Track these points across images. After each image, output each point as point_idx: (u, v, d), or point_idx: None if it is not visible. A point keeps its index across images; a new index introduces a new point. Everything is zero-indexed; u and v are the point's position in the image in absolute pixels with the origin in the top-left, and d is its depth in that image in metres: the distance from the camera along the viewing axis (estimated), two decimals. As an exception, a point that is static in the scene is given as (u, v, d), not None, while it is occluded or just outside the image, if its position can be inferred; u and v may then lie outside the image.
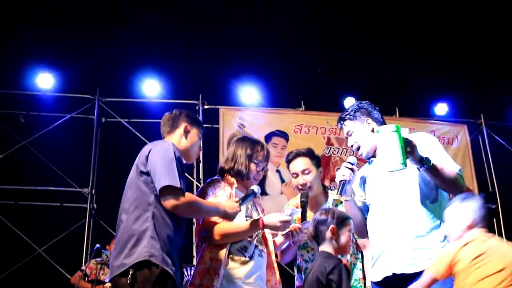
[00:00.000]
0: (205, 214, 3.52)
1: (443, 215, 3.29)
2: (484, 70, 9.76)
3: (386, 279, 3.31)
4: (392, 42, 9.57)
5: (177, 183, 3.21)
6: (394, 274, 3.26)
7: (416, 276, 3.16)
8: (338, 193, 3.48)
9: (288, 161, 4.32)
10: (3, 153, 9.16)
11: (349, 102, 10.17)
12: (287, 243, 4.00)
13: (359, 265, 4.10)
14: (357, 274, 4.06)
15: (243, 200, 3.53)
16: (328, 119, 10.07)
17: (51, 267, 8.62)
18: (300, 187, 4.19)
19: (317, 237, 3.55)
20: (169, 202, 3.20)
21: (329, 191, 4.39)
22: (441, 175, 3.16)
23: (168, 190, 3.20)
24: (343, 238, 3.46)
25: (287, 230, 3.77)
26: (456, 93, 10.39)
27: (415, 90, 10.14)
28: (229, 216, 3.43)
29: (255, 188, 3.63)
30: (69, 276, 8.09)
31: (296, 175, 4.23)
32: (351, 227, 3.52)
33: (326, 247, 3.50)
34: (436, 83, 10.14)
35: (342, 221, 3.48)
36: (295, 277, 4.36)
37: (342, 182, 3.45)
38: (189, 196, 3.28)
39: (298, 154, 4.29)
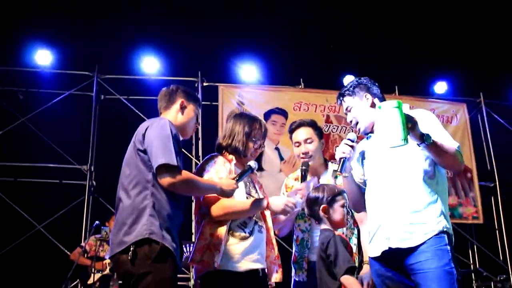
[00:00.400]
0: (201, 191, 3.51)
1: (440, 191, 3.31)
2: (484, 49, 9.74)
3: (383, 253, 3.33)
4: (393, 21, 9.54)
5: (173, 161, 3.20)
6: (390, 248, 3.28)
7: (412, 251, 3.18)
8: (338, 170, 3.44)
9: (291, 131, 4.34)
10: (2, 129, 9.17)
11: (349, 79, 10.12)
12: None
13: (354, 240, 4.11)
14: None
15: (240, 177, 3.51)
16: (327, 97, 10.07)
17: (51, 243, 8.66)
18: (302, 155, 4.21)
19: (314, 216, 3.76)
20: (166, 180, 3.20)
21: (329, 163, 4.40)
22: (440, 152, 3.16)
23: (164, 168, 3.20)
24: (336, 215, 3.64)
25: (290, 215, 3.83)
26: (455, 71, 10.38)
27: (415, 68, 10.11)
28: (226, 194, 3.42)
29: (252, 163, 3.61)
30: (69, 253, 8.14)
31: (298, 144, 4.25)
32: (344, 201, 3.66)
33: (324, 225, 3.66)
34: (435, 61, 10.11)
35: (332, 198, 3.65)
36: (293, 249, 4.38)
37: (342, 159, 3.44)
38: (185, 174, 3.27)
39: (301, 124, 4.32)
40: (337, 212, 3.63)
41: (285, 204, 3.58)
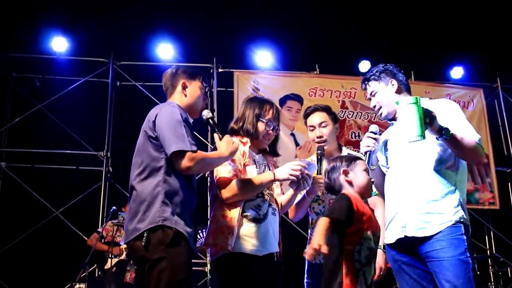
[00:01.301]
0: (215, 165, 3.51)
1: (459, 181, 3.31)
2: (501, 34, 9.64)
3: (398, 240, 3.34)
4: (408, 5, 9.47)
5: (186, 146, 3.22)
6: (406, 236, 3.29)
7: (426, 239, 3.20)
8: (366, 163, 3.45)
9: (306, 115, 4.36)
10: (19, 116, 9.25)
11: (364, 65, 10.13)
12: (302, 196, 4.00)
13: None
14: None
15: (219, 130, 3.52)
16: (343, 82, 10.04)
17: (68, 229, 8.75)
18: (316, 139, 4.22)
19: (333, 188, 3.36)
20: (182, 165, 3.22)
21: (344, 147, 4.42)
22: (460, 145, 3.16)
23: (178, 154, 3.22)
24: (359, 178, 3.26)
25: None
26: (472, 56, 10.28)
27: (431, 53, 10.04)
28: (233, 153, 3.42)
29: (205, 112, 3.65)
30: (86, 238, 8.21)
31: (313, 127, 4.27)
32: (366, 166, 3.33)
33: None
34: (452, 46, 10.02)
35: (351, 161, 3.31)
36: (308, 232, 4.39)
37: (367, 153, 3.47)
38: (199, 155, 3.27)
39: (316, 109, 4.35)
40: (360, 175, 3.26)
41: (290, 168, 3.56)
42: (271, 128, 3.82)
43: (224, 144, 3.43)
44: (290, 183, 3.72)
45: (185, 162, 3.22)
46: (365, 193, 3.28)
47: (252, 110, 3.82)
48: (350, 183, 3.26)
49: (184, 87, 3.66)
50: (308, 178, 3.66)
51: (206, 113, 3.65)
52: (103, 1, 8.90)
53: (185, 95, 3.65)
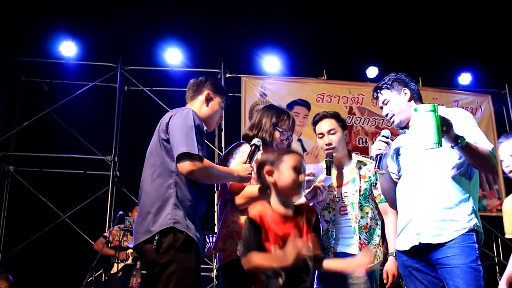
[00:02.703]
0: (220, 179, 3.53)
1: (472, 189, 3.31)
2: (509, 40, 9.63)
3: (412, 247, 3.34)
4: (416, 12, 9.47)
5: (194, 149, 3.22)
6: (420, 243, 3.29)
7: (441, 246, 3.19)
8: (376, 167, 3.46)
9: (315, 123, 4.34)
10: (27, 120, 9.28)
11: (372, 71, 10.14)
12: (311, 204, 4.00)
13: (377, 231, 4.09)
14: (375, 240, 4.07)
15: (251, 158, 3.51)
16: (350, 88, 10.05)
17: (75, 233, 8.78)
18: (325, 147, 4.20)
19: (263, 186, 3.09)
20: (185, 168, 3.22)
21: (353, 154, 4.41)
22: (474, 154, 3.16)
23: (185, 157, 3.22)
24: (284, 177, 2.92)
25: (310, 189, 3.73)
26: (480, 63, 10.29)
27: (439, 60, 10.06)
28: (244, 179, 3.44)
29: (256, 141, 3.60)
30: (93, 242, 8.21)
31: (322, 135, 4.25)
32: (295, 163, 2.92)
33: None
34: (460, 52, 10.02)
35: (278, 157, 2.97)
36: None
37: (378, 156, 3.46)
38: (205, 162, 3.29)
39: (324, 116, 4.31)
40: (285, 174, 2.89)
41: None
42: (285, 137, 3.84)
43: (241, 167, 3.45)
44: (306, 194, 3.73)
45: (189, 166, 3.22)
46: (289, 193, 2.93)
47: (269, 118, 3.81)
48: (274, 184, 2.96)
49: (208, 99, 3.69)
50: (324, 190, 3.68)
51: (257, 141, 3.61)
52: (112, 6, 8.93)
53: (206, 106, 3.68)
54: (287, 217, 2.90)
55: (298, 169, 2.91)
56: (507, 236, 3.14)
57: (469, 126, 3.32)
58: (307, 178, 3.50)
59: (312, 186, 3.71)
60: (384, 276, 3.94)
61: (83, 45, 9.57)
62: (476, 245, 3.15)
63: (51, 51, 9.54)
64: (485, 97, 10.62)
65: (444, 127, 2.98)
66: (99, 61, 9.80)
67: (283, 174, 2.91)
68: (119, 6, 8.95)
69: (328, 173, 3.87)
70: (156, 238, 3.16)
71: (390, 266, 3.89)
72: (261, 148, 3.66)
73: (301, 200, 3.86)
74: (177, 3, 9.15)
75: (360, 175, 4.11)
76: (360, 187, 4.07)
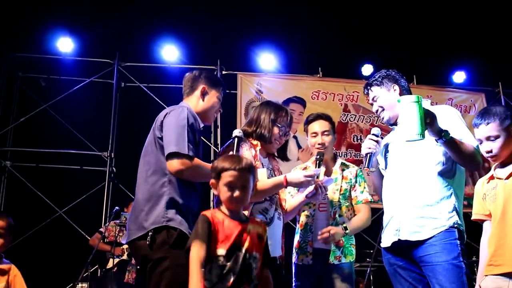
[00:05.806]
0: (209, 178, 3.54)
1: (456, 187, 3.35)
2: (503, 38, 9.68)
3: (393, 244, 3.39)
4: (411, 10, 9.52)
5: (184, 149, 3.24)
6: (399, 240, 3.34)
7: (421, 244, 3.24)
8: (366, 165, 3.50)
9: (309, 122, 4.40)
10: (24, 116, 9.32)
11: (367, 69, 10.18)
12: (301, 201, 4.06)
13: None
14: (350, 239, 4.18)
15: (236, 151, 3.53)
16: (346, 85, 10.11)
17: (71, 228, 8.82)
18: (318, 145, 4.27)
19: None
20: (173, 167, 3.25)
21: (338, 157, 4.51)
22: (458, 149, 3.19)
23: (174, 156, 3.24)
24: (221, 193, 2.93)
25: (311, 187, 3.79)
26: (474, 61, 10.31)
27: (433, 58, 10.09)
28: None
29: (237, 132, 3.62)
30: (89, 238, 8.26)
31: (315, 134, 4.32)
32: (232, 178, 2.86)
33: None
34: (454, 51, 10.06)
35: (220, 172, 2.92)
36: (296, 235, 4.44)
37: (368, 154, 3.50)
38: (195, 162, 3.30)
39: (320, 116, 4.40)
40: (222, 191, 2.89)
41: (304, 175, 3.56)
42: (284, 133, 3.88)
43: None
44: (308, 193, 3.82)
45: (177, 165, 3.24)
46: (229, 207, 2.92)
47: (268, 115, 3.84)
48: (219, 196, 3.00)
49: (203, 93, 3.70)
50: (325, 190, 3.77)
51: (238, 132, 3.61)
52: (109, 3, 8.97)
53: (203, 100, 3.70)
54: (235, 222, 2.88)
55: (232, 186, 2.87)
56: (473, 217, 3.14)
57: (455, 122, 3.34)
58: (307, 178, 3.57)
59: (314, 185, 3.76)
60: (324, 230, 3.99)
61: (80, 41, 9.59)
62: (458, 242, 3.20)
63: (48, 47, 9.57)
64: (479, 95, 10.66)
65: (428, 119, 3.01)
66: (96, 57, 9.83)
67: (221, 190, 2.91)
68: (116, 2, 8.99)
69: (317, 167, 3.91)
70: (150, 234, 3.19)
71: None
72: (243, 138, 3.67)
73: (300, 199, 3.95)
74: (174, 0, 9.18)
75: (342, 176, 4.27)
76: (341, 186, 4.23)
